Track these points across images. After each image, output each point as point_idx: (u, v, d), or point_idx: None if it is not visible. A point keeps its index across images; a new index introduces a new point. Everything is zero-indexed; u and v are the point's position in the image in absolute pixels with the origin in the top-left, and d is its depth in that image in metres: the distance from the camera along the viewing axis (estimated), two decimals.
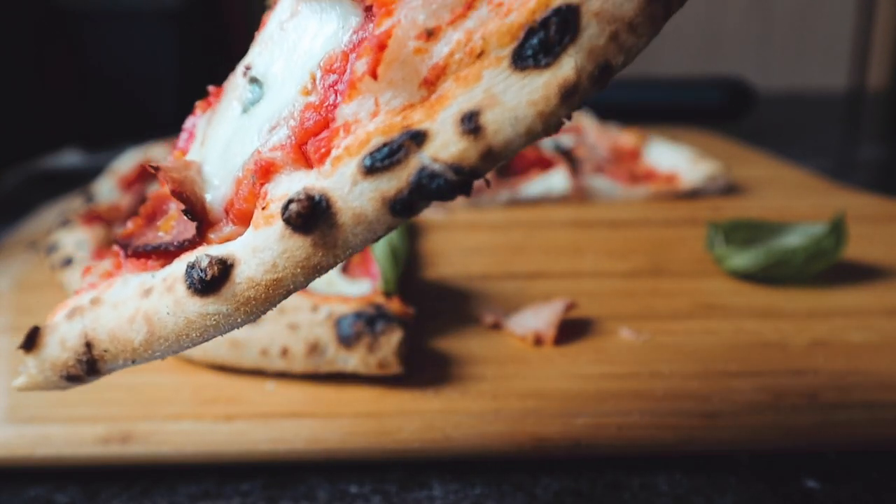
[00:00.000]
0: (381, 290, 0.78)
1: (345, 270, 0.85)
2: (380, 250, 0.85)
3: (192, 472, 0.62)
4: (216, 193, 0.44)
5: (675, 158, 1.43)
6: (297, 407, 0.67)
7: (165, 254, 0.45)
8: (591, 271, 0.99)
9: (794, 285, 0.90)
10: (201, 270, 0.39)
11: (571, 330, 0.80)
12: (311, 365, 0.70)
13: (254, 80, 0.45)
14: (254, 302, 0.40)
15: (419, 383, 0.70)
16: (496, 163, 0.35)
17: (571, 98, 0.34)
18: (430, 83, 0.36)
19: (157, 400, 0.68)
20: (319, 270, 0.39)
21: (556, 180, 1.33)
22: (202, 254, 0.40)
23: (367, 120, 0.37)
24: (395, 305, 0.72)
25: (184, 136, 0.51)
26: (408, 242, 1.02)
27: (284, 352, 0.70)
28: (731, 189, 1.37)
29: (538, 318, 0.80)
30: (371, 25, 0.39)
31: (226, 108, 0.47)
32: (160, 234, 0.48)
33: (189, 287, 0.40)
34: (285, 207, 0.37)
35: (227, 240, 0.42)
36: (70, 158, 1.88)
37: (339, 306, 0.71)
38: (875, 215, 1.17)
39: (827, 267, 0.91)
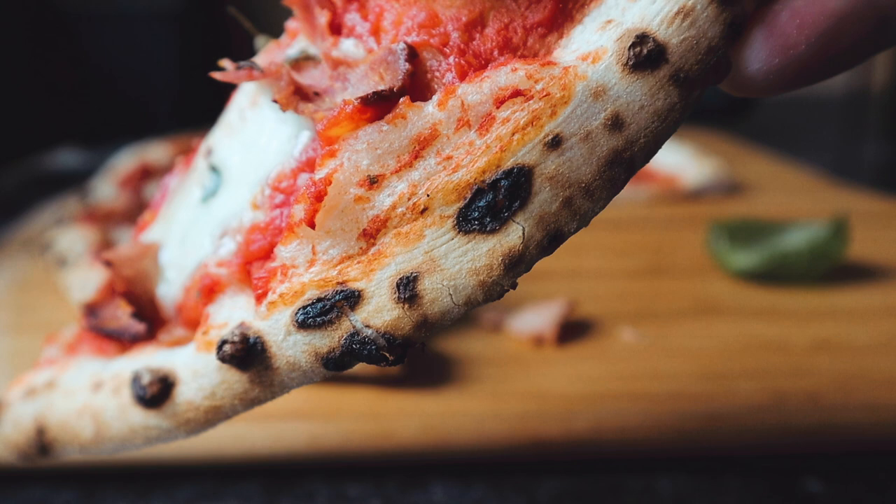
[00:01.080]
0: None
1: None
2: None
3: (191, 474, 0.62)
4: (168, 291, 0.44)
5: (676, 158, 1.42)
6: (296, 408, 0.66)
7: (119, 341, 0.45)
8: (591, 271, 0.99)
9: (797, 285, 0.90)
10: (142, 387, 0.39)
11: (572, 330, 0.79)
12: None
13: (213, 169, 0.44)
14: (193, 423, 0.39)
15: (419, 384, 0.69)
16: (431, 332, 0.34)
17: (516, 268, 0.33)
18: (370, 235, 0.34)
19: None
20: (258, 403, 0.38)
21: None
22: (144, 369, 0.40)
23: (303, 268, 0.35)
24: None
25: (158, 195, 0.50)
26: None
27: None
28: (733, 189, 1.36)
29: (539, 319, 0.79)
30: (319, 145, 0.37)
31: (189, 189, 0.46)
32: (118, 311, 0.47)
33: (133, 397, 0.40)
34: (220, 346, 0.36)
35: (177, 343, 0.42)
36: (68, 158, 1.87)
37: None
38: (878, 215, 1.17)
39: (829, 267, 0.91)
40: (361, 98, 0.34)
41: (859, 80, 2.76)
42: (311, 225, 0.35)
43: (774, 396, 0.66)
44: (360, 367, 0.68)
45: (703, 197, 1.34)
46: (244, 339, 0.36)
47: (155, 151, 1.27)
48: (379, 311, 0.33)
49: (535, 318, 0.80)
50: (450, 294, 0.33)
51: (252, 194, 0.40)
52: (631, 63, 0.32)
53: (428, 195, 0.33)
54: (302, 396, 0.68)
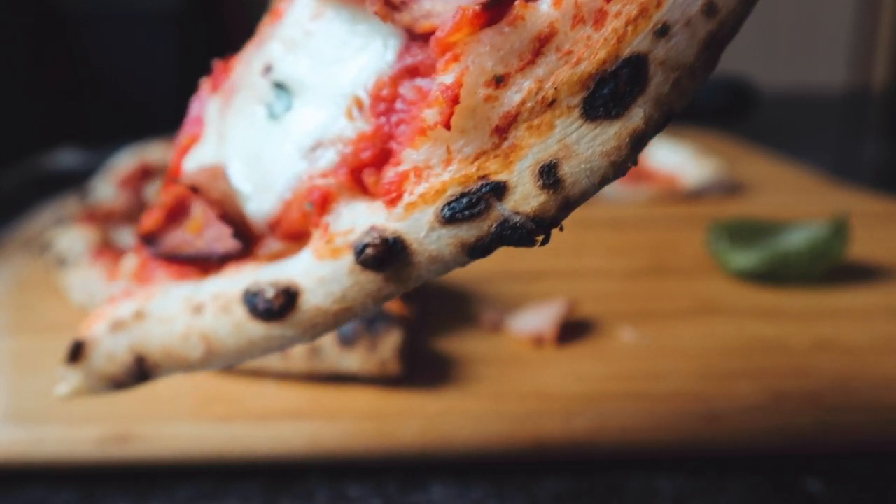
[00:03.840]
0: None
1: None
2: None
3: (191, 474, 0.62)
4: (257, 208, 0.44)
5: (676, 158, 1.42)
6: (296, 408, 0.66)
7: (203, 263, 0.46)
8: (592, 271, 0.99)
9: (797, 285, 0.90)
10: (267, 301, 0.41)
11: (572, 330, 0.79)
12: (311, 366, 0.69)
13: (279, 86, 0.45)
14: (321, 327, 0.41)
15: (419, 384, 0.69)
16: (572, 210, 0.36)
17: (640, 146, 0.35)
18: (502, 130, 0.36)
19: (155, 400, 0.68)
20: (389, 298, 0.40)
21: None
22: (266, 283, 0.41)
23: (440, 168, 0.37)
24: (394, 306, 0.72)
25: (190, 121, 0.50)
26: None
27: (284, 352, 0.69)
28: (732, 189, 1.36)
29: (538, 319, 0.79)
30: (418, 51, 0.39)
31: (245, 108, 0.47)
32: (187, 235, 0.48)
33: (251, 312, 0.41)
34: (360, 251, 0.38)
35: (276, 257, 0.43)
36: (68, 158, 1.87)
37: None
38: (878, 215, 1.17)
39: (829, 267, 0.91)
40: (481, 3, 0.36)
41: (859, 79, 2.76)
42: (447, 127, 0.37)
43: (774, 396, 0.66)
44: (361, 367, 0.68)
45: (703, 197, 1.34)
46: (384, 240, 0.38)
47: (155, 151, 1.27)
48: (526, 199, 0.36)
49: (535, 318, 0.80)
50: (587, 176, 0.35)
51: (344, 105, 0.41)
52: None
53: (556, 88, 0.35)
54: (302, 396, 0.68)
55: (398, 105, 0.40)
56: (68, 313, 0.86)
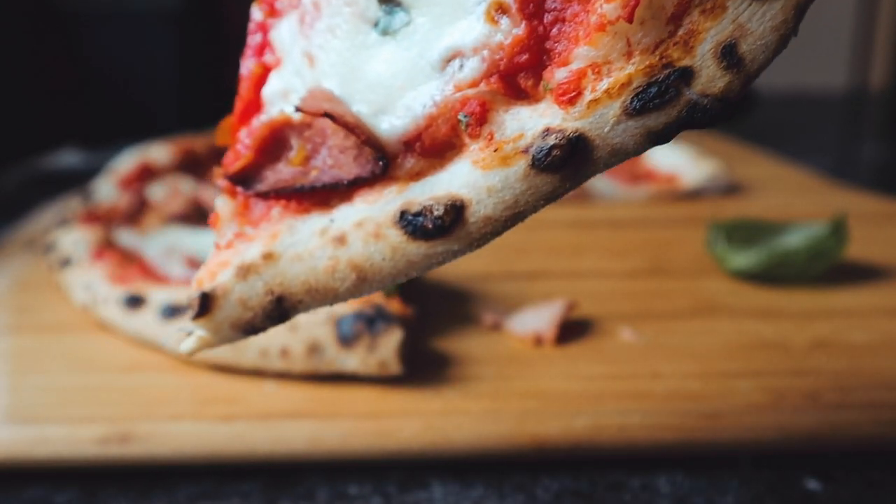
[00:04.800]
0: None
1: None
2: None
3: (191, 473, 0.62)
4: (389, 127, 0.43)
5: (675, 158, 1.42)
6: (296, 407, 0.66)
7: (325, 193, 0.45)
8: (591, 271, 0.99)
9: (795, 285, 0.90)
10: (437, 218, 0.40)
11: (571, 330, 0.79)
12: (311, 365, 0.70)
13: (388, 1, 0.43)
14: (489, 235, 0.41)
15: (419, 384, 0.69)
16: (750, 85, 0.38)
17: (802, 14, 0.36)
18: (677, 18, 0.37)
19: (156, 400, 0.68)
20: (561, 196, 0.40)
21: None
22: (428, 201, 0.41)
23: (621, 62, 0.38)
24: (394, 306, 0.72)
25: (254, 49, 0.49)
26: None
27: (284, 352, 0.70)
28: (731, 189, 1.36)
29: (538, 319, 0.79)
30: None
31: (341, 26, 0.45)
32: (293, 168, 0.46)
33: (411, 233, 0.41)
34: (545, 154, 0.38)
35: (419, 176, 0.42)
36: (69, 158, 1.87)
37: (339, 306, 0.71)
38: (876, 215, 1.17)
39: (828, 267, 0.91)
40: None
41: (859, 80, 2.76)
42: (630, 20, 0.37)
43: (773, 396, 0.67)
44: (360, 367, 0.68)
45: (702, 197, 1.34)
46: (568, 140, 0.38)
47: (156, 152, 1.27)
48: (712, 81, 0.37)
49: (534, 318, 0.80)
50: (763, 51, 0.37)
51: (481, 11, 0.40)
52: None
53: None
54: (302, 396, 0.68)
55: (549, 4, 0.40)
56: (70, 313, 0.87)
